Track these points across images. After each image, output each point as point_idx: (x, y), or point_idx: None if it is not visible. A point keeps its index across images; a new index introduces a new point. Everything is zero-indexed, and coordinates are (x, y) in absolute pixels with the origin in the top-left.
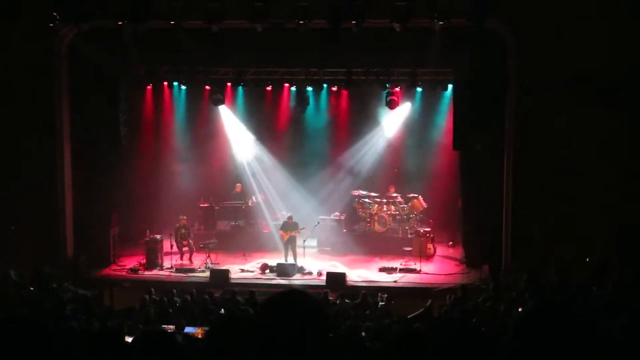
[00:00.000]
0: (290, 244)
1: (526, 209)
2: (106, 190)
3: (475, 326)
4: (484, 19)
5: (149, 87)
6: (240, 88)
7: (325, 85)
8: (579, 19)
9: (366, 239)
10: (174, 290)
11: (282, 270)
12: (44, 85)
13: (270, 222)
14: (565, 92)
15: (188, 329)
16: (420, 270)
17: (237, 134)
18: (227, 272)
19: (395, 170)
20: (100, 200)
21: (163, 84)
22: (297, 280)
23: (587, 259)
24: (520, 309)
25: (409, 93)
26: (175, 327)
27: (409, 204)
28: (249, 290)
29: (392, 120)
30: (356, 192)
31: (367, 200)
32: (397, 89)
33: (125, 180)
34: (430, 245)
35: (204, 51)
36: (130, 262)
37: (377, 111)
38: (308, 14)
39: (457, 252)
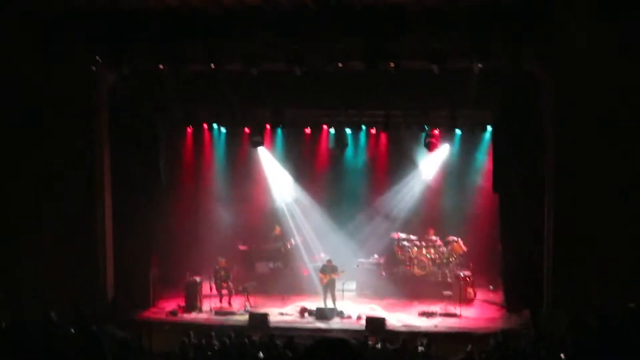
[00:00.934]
0: (329, 287)
1: (567, 252)
2: (146, 232)
3: None
4: (521, 61)
5: (189, 129)
6: (279, 130)
7: (363, 127)
8: (614, 59)
9: (405, 282)
10: (213, 333)
11: (321, 314)
12: (84, 127)
13: (309, 264)
14: (602, 132)
15: None
16: (460, 315)
17: (275, 175)
18: (266, 315)
19: (435, 213)
20: (140, 242)
21: (203, 126)
22: (336, 324)
23: (632, 306)
24: (561, 355)
25: (447, 135)
26: None
27: (449, 247)
28: (288, 334)
29: (431, 163)
30: (395, 235)
31: (406, 243)
32: (436, 131)
33: (165, 222)
34: (470, 289)
35: (243, 93)
36: (170, 305)
37: (415, 153)
38: (344, 56)
39: (498, 296)
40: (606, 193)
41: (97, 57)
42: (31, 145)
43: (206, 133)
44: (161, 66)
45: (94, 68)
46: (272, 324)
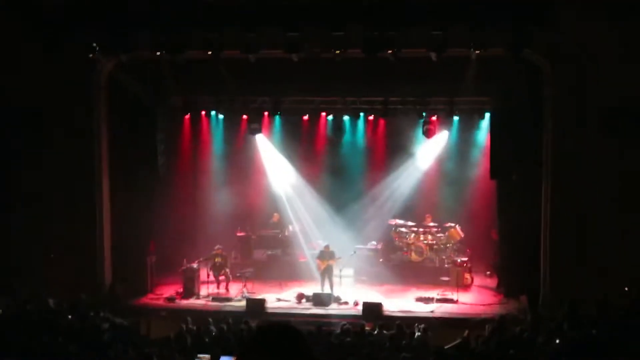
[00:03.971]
0: (326, 274)
1: (564, 239)
2: (144, 219)
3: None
4: (521, 49)
5: (186, 116)
6: (277, 117)
7: (362, 114)
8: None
9: (403, 268)
10: (210, 320)
11: (318, 299)
12: (83, 115)
13: (307, 251)
14: (600, 120)
15: (224, 359)
16: (457, 301)
17: (273, 162)
18: (263, 301)
19: (433, 200)
20: (138, 229)
21: (201, 114)
22: (333, 310)
23: (626, 288)
24: (558, 341)
25: (446, 122)
26: (211, 357)
27: (446, 233)
28: (285, 319)
29: (429, 149)
30: (393, 222)
31: (403, 229)
32: (434, 118)
33: (162, 209)
34: (467, 275)
35: (241, 81)
36: (167, 291)
37: (413, 140)
38: (343, 43)
39: (495, 282)
40: (604, 180)
41: (95, 45)
42: (30, 132)
43: (204, 120)
44: (159, 53)
45: (92, 55)
46: (269, 310)
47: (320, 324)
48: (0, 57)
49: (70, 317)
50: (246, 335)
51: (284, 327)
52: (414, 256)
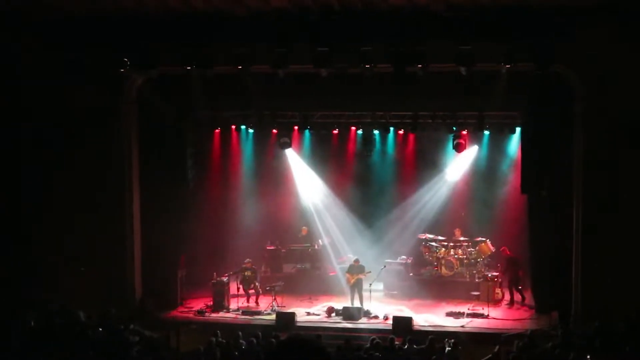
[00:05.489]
0: (356, 288)
1: (596, 255)
2: (174, 232)
3: None
4: (550, 64)
5: (216, 131)
6: (306, 131)
7: (392, 128)
8: None
9: (433, 283)
10: (240, 333)
11: (348, 313)
12: (113, 130)
13: (336, 265)
14: (631, 136)
15: None
16: (488, 316)
17: (303, 177)
18: (293, 315)
19: (463, 214)
20: (168, 242)
21: (231, 128)
22: (363, 324)
23: None
24: (589, 357)
25: (476, 136)
26: None
27: (477, 247)
28: (315, 334)
29: (459, 164)
30: (423, 236)
31: (434, 243)
32: (464, 132)
33: (192, 223)
34: (498, 290)
35: (271, 95)
36: (197, 304)
37: (443, 154)
38: (372, 58)
39: (526, 298)
40: (635, 198)
41: (126, 60)
42: (61, 147)
43: (234, 134)
44: (189, 68)
45: (122, 70)
46: (298, 324)
47: (350, 338)
48: (33, 72)
49: (100, 330)
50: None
51: (304, 341)
52: (444, 270)
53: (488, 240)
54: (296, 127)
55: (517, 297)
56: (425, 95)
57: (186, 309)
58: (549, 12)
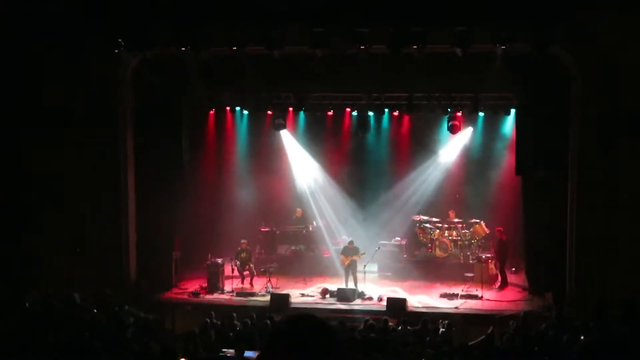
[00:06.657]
0: (350, 269)
1: (590, 237)
2: (169, 214)
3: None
4: (546, 46)
5: (211, 112)
6: (301, 113)
7: (386, 110)
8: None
9: (427, 264)
10: (234, 314)
11: (342, 295)
12: (108, 111)
13: (331, 246)
14: (628, 118)
15: (248, 354)
16: (482, 297)
17: (298, 158)
18: (287, 296)
19: (457, 196)
20: (163, 224)
21: (225, 109)
22: (357, 305)
23: None
24: (583, 337)
25: (470, 118)
26: (235, 352)
27: (471, 229)
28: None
29: (454, 145)
30: (417, 217)
31: (428, 225)
32: (459, 114)
33: (187, 205)
34: (492, 266)
35: (266, 77)
36: (192, 286)
37: (438, 136)
38: (368, 39)
39: (520, 279)
40: (630, 178)
41: (120, 40)
42: (55, 129)
43: (229, 116)
44: (183, 49)
45: (116, 51)
46: (293, 305)
47: (344, 319)
48: (28, 56)
49: (95, 311)
50: (271, 327)
51: (314, 320)
52: (438, 252)
53: (482, 221)
54: (291, 109)
55: (510, 278)
56: (420, 76)
57: (181, 291)
58: None
